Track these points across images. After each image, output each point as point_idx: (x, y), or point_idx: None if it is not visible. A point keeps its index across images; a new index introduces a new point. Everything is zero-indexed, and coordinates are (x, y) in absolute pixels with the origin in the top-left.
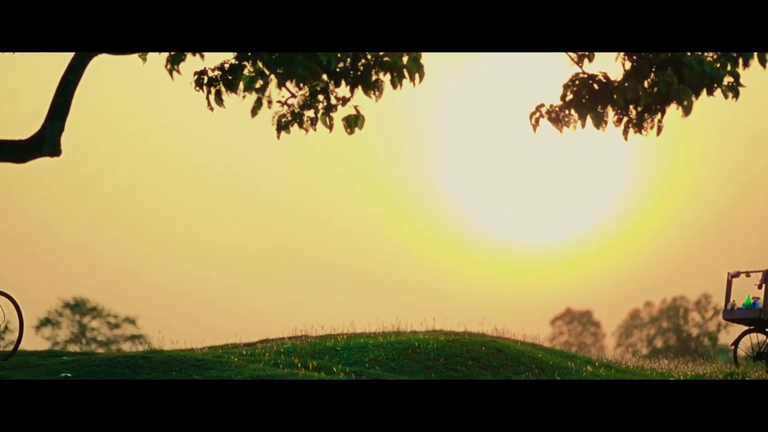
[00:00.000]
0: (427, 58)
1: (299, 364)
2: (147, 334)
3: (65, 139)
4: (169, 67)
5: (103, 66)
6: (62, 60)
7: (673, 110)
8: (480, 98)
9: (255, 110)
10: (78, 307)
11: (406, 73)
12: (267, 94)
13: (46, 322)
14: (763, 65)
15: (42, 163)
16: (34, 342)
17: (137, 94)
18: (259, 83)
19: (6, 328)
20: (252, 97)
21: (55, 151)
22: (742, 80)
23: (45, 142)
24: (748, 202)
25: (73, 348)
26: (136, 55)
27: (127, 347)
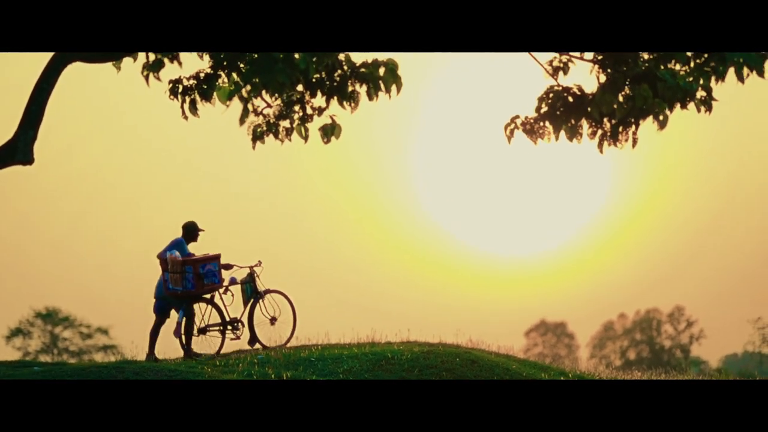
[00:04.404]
0: (406, 69)
1: (273, 375)
2: (120, 344)
3: (38, 148)
4: (145, 73)
5: (76, 74)
6: (36, 67)
7: (648, 123)
8: (458, 110)
9: (243, 118)
10: (50, 316)
11: (382, 85)
12: (252, 101)
13: (17, 332)
14: (740, 79)
15: (14, 171)
16: (4, 352)
17: (111, 102)
18: (244, 92)
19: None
20: (232, 106)
21: (27, 159)
22: (715, 93)
23: (18, 150)
24: (723, 219)
25: (44, 358)
26: (110, 64)
27: (99, 357)
